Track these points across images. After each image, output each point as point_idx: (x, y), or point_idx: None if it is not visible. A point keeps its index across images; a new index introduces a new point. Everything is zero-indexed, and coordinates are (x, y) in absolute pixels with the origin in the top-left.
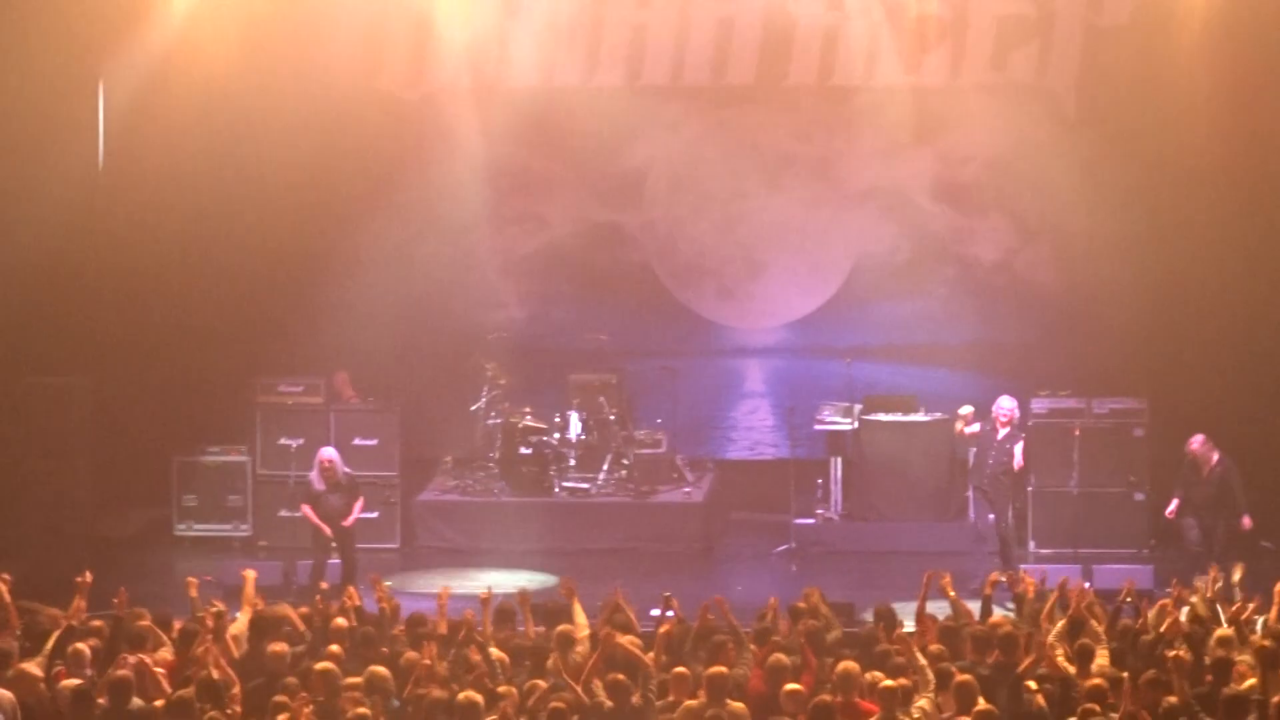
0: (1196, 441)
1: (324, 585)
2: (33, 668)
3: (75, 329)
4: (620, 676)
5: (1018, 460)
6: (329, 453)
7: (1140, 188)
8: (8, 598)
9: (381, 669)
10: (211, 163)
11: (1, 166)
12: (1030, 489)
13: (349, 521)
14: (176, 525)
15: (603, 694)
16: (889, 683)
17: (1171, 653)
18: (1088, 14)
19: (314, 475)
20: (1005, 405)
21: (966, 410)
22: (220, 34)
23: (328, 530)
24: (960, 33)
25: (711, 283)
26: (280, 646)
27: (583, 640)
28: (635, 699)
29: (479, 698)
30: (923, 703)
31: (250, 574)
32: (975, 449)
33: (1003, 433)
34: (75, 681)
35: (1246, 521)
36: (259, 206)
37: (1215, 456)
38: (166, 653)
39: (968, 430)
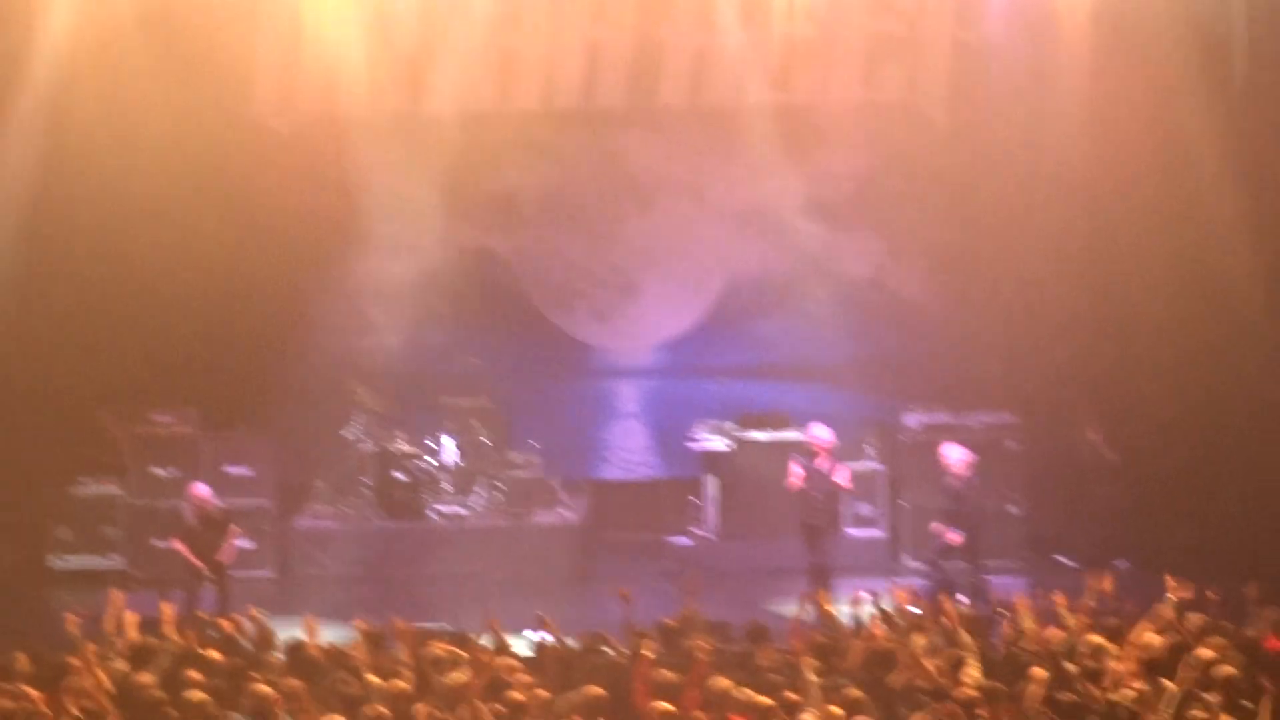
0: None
1: (200, 614)
2: None
3: None
4: (519, 697)
5: (844, 485)
6: (201, 489)
7: (1011, 202)
8: None
9: (264, 688)
10: (79, 185)
11: None
12: (905, 504)
13: (224, 557)
14: (50, 558)
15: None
16: (765, 699)
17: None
18: (956, 30)
19: (186, 509)
20: (820, 434)
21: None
22: (86, 64)
23: (200, 564)
24: (829, 51)
25: (585, 304)
26: (148, 678)
27: (460, 665)
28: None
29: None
30: (808, 717)
31: (168, 608)
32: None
33: (823, 463)
34: None
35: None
36: (123, 233)
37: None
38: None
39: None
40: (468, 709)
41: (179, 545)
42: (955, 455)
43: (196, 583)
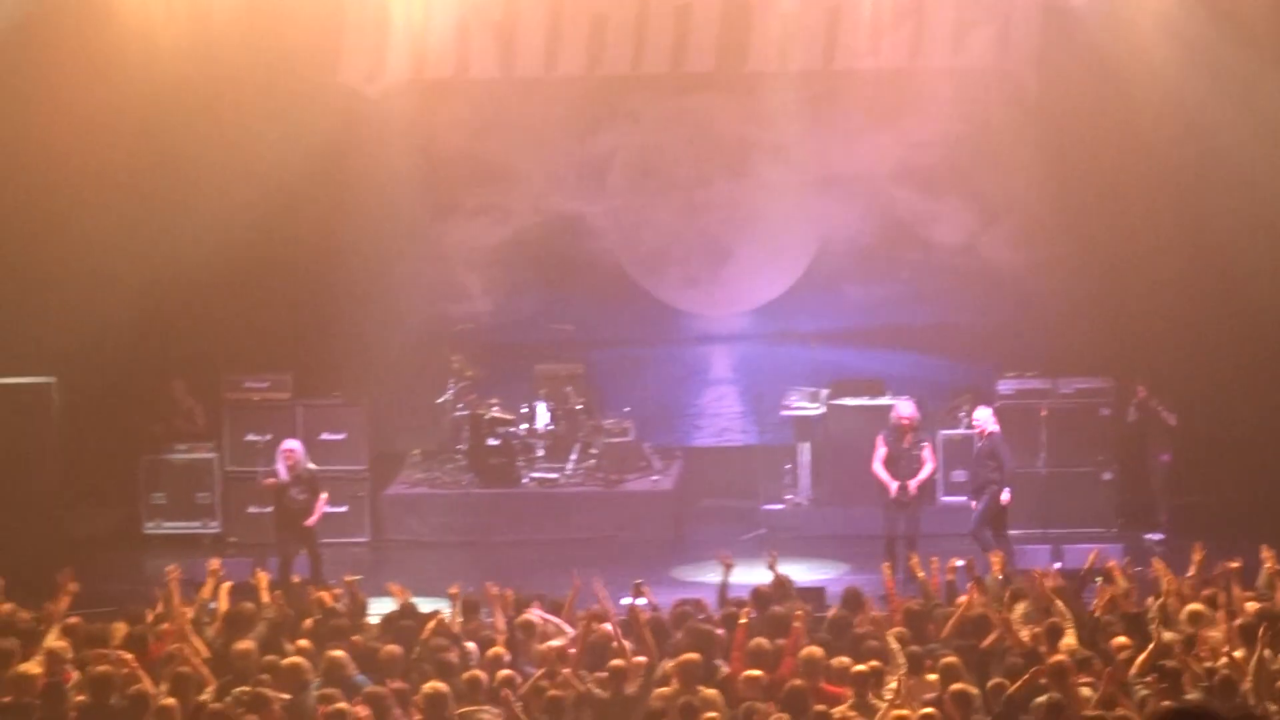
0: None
1: (295, 579)
2: (34, 667)
3: (40, 330)
4: (619, 664)
5: (928, 466)
6: (292, 444)
7: (1101, 166)
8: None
9: (339, 653)
10: (168, 158)
11: None
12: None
13: (312, 520)
14: (145, 523)
15: (593, 684)
16: (860, 666)
17: (1116, 640)
18: None
19: (278, 466)
20: (905, 410)
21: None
22: (176, 29)
23: (290, 523)
24: (919, 15)
25: (676, 270)
26: (248, 645)
27: (553, 634)
28: (630, 688)
29: (445, 688)
30: (893, 684)
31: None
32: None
33: (909, 438)
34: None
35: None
36: (218, 202)
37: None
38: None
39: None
40: (565, 676)
41: (270, 483)
42: (983, 416)
43: (294, 548)
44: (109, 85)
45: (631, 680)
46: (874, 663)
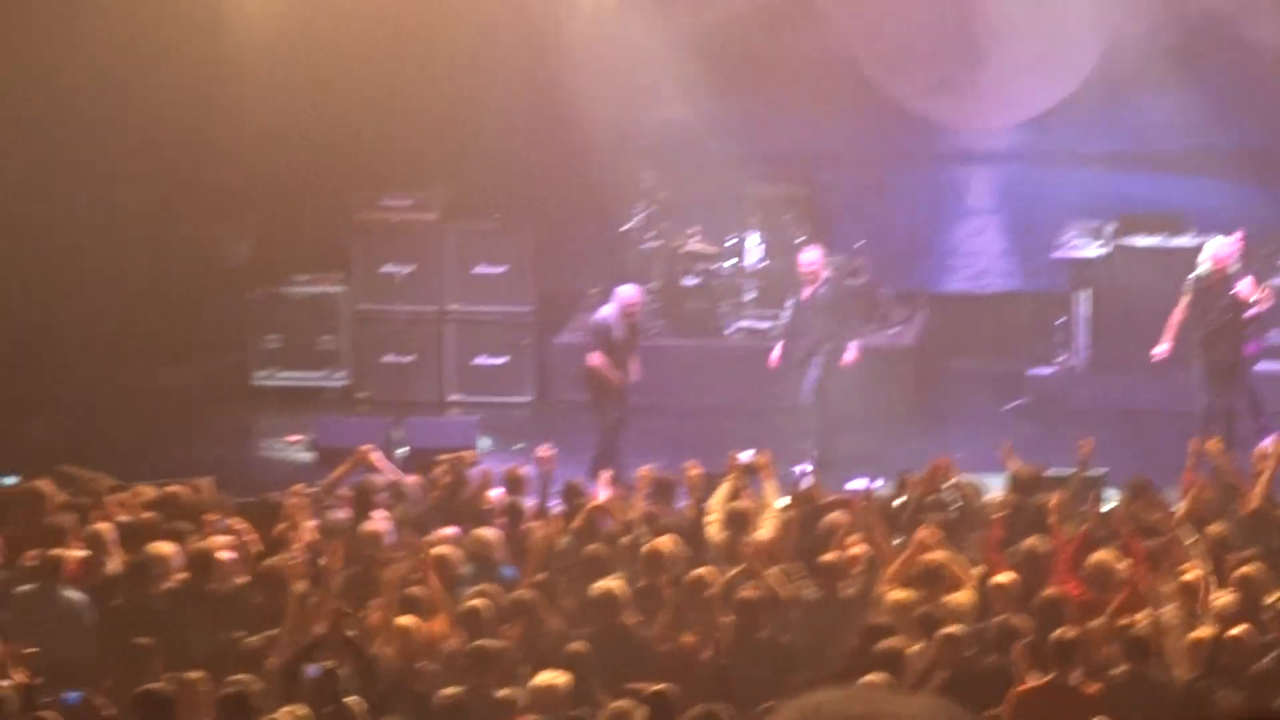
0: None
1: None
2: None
3: (128, 140)
4: (830, 559)
5: (1254, 300)
6: (636, 293)
7: None
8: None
9: (486, 532)
10: None
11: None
12: None
13: (631, 377)
14: (255, 373)
15: (803, 583)
16: (1189, 576)
17: None
18: None
19: (612, 316)
20: (1224, 247)
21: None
22: None
23: (620, 384)
24: None
25: (927, 71)
26: (378, 525)
27: (765, 522)
28: (849, 590)
29: (616, 586)
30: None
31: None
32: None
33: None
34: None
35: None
36: None
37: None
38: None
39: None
40: (767, 576)
41: (598, 359)
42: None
43: (620, 416)
44: None
45: (852, 580)
46: (1175, 569)
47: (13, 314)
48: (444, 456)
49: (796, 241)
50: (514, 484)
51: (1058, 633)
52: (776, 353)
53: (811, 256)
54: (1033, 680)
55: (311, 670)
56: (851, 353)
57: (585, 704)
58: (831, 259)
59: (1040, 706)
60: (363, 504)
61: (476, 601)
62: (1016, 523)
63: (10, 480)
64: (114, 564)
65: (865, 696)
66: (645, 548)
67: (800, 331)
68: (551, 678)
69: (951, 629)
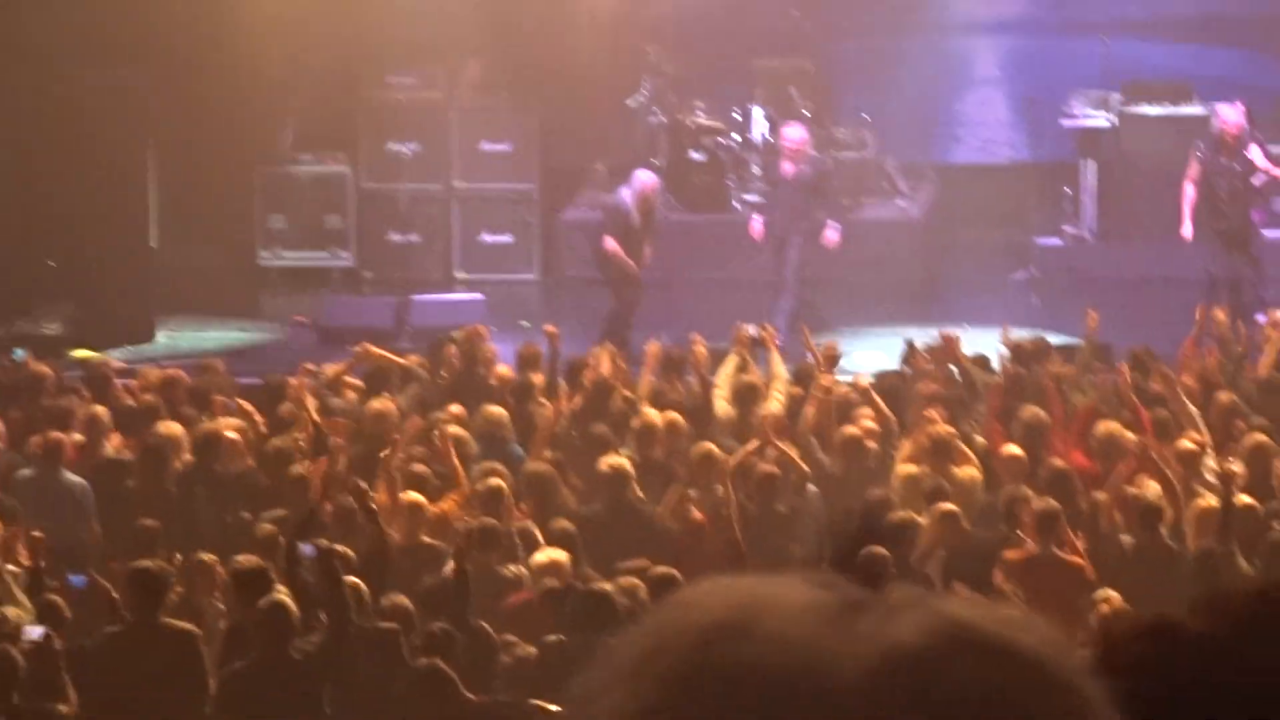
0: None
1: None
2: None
3: (127, 11)
4: (853, 432)
5: (1263, 168)
6: (653, 179)
7: None
8: None
9: (496, 410)
10: None
11: None
12: None
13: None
14: (260, 253)
15: (826, 455)
16: (1187, 443)
17: None
18: None
19: (627, 198)
20: (1229, 115)
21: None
22: None
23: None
24: None
25: None
26: (385, 404)
27: (773, 396)
28: (870, 462)
29: (626, 463)
30: (1210, 462)
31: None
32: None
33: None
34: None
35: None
36: None
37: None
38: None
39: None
40: (783, 449)
41: (613, 244)
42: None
43: (634, 297)
44: None
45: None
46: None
47: (20, 199)
48: (456, 333)
49: (804, 114)
50: (524, 362)
51: (1040, 503)
52: (758, 226)
53: (795, 133)
54: (1021, 550)
55: (307, 550)
56: (832, 235)
57: (593, 580)
58: (823, 133)
59: (1031, 578)
60: (374, 386)
61: (495, 480)
62: (1017, 393)
63: (20, 354)
64: (111, 447)
65: (748, 586)
66: (647, 421)
67: (780, 207)
68: (553, 554)
69: (948, 505)
